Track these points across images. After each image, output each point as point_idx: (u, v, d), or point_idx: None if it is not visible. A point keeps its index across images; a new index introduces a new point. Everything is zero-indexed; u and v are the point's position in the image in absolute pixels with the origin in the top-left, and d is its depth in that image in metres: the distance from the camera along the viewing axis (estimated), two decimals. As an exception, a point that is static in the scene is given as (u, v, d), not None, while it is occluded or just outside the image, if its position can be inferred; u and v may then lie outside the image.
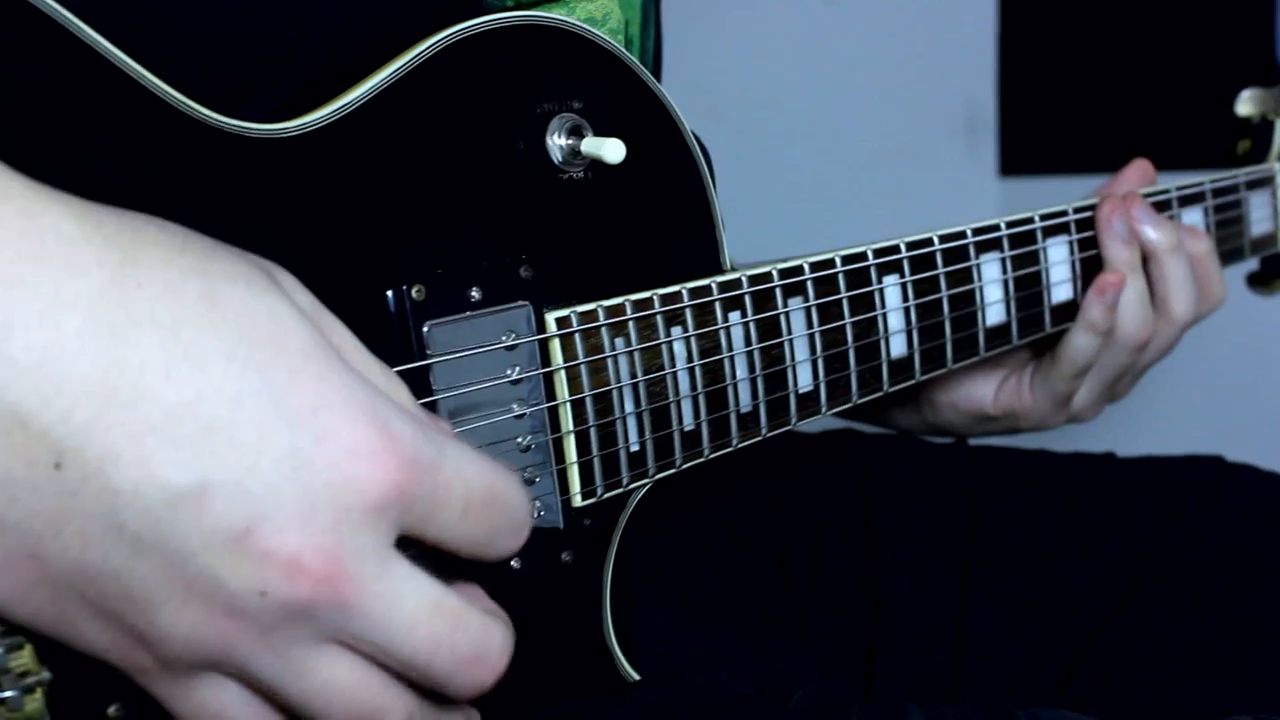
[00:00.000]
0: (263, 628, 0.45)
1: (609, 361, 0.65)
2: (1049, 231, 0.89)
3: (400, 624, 0.46)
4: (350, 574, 0.45)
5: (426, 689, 0.49)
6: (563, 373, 0.64)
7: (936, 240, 0.81)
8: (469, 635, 0.48)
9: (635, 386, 0.67)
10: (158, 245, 0.44)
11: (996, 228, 0.85)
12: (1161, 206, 0.96)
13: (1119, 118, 2.07)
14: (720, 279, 0.70)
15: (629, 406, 0.66)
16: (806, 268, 0.73)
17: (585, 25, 0.66)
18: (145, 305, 0.43)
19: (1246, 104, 1.12)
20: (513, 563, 0.63)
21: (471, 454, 0.49)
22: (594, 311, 0.65)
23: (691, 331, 0.69)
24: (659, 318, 0.67)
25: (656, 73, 0.84)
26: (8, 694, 0.47)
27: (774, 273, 0.72)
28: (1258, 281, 1.18)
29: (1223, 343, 1.81)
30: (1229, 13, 2.01)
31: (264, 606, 0.44)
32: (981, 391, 0.98)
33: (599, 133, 0.65)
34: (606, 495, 0.66)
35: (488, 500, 0.49)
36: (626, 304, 0.66)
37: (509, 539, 0.51)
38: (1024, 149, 2.12)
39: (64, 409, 0.41)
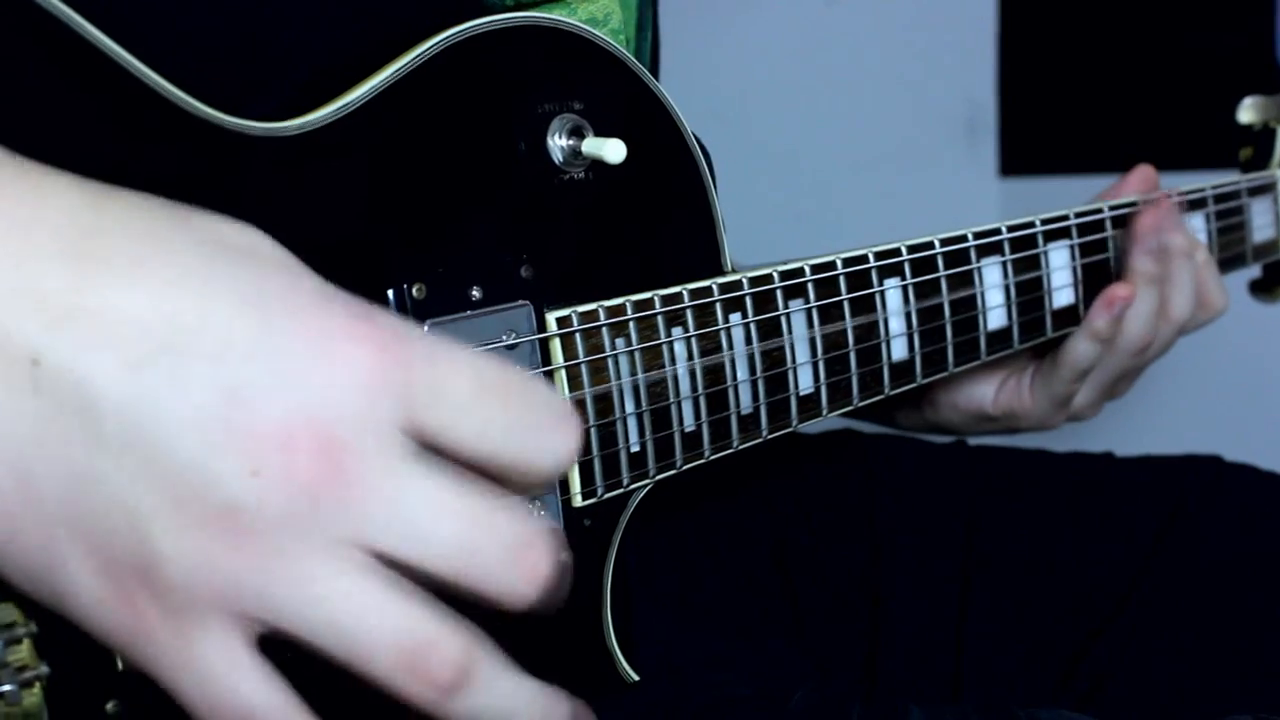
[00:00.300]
0: (268, 525, 0.40)
1: (609, 361, 0.66)
2: (1050, 236, 0.89)
3: (425, 507, 0.41)
4: (351, 446, 0.41)
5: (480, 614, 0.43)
6: (563, 372, 0.64)
7: (938, 243, 0.81)
8: (509, 515, 0.43)
9: (636, 387, 0.67)
10: (132, 193, 0.45)
11: (998, 231, 0.85)
12: None
13: (1119, 118, 2.07)
14: (721, 280, 0.70)
15: (629, 407, 0.66)
16: (807, 270, 0.73)
17: (586, 26, 0.66)
18: (119, 216, 0.43)
19: (1248, 111, 1.12)
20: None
21: (479, 353, 0.44)
22: (594, 311, 0.65)
23: (692, 332, 0.69)
24: (660, 318, 0.67)
25: (654, 74, 0.84)
26: (6, 688, 0.47)
27: (775, 274, 0.72)
28: (1260, 289, 1.18)
29: (1222, 343, 1.81)
30: (1229, 14, 2.01)
31: (262, 494, 0.40)
32: (982, 391, 0.98)
33: (600, 133, 0.65)
34: (607, 496, 0.66)
35: (504, 381, 0.44)
36: (627, 304, 0.66)
37: (550, 430, 0.44)
38: (1024, 149, 2.12)
39: (36, 305, 0.41)
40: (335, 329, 0.42)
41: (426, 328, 0.60)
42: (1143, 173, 0.99)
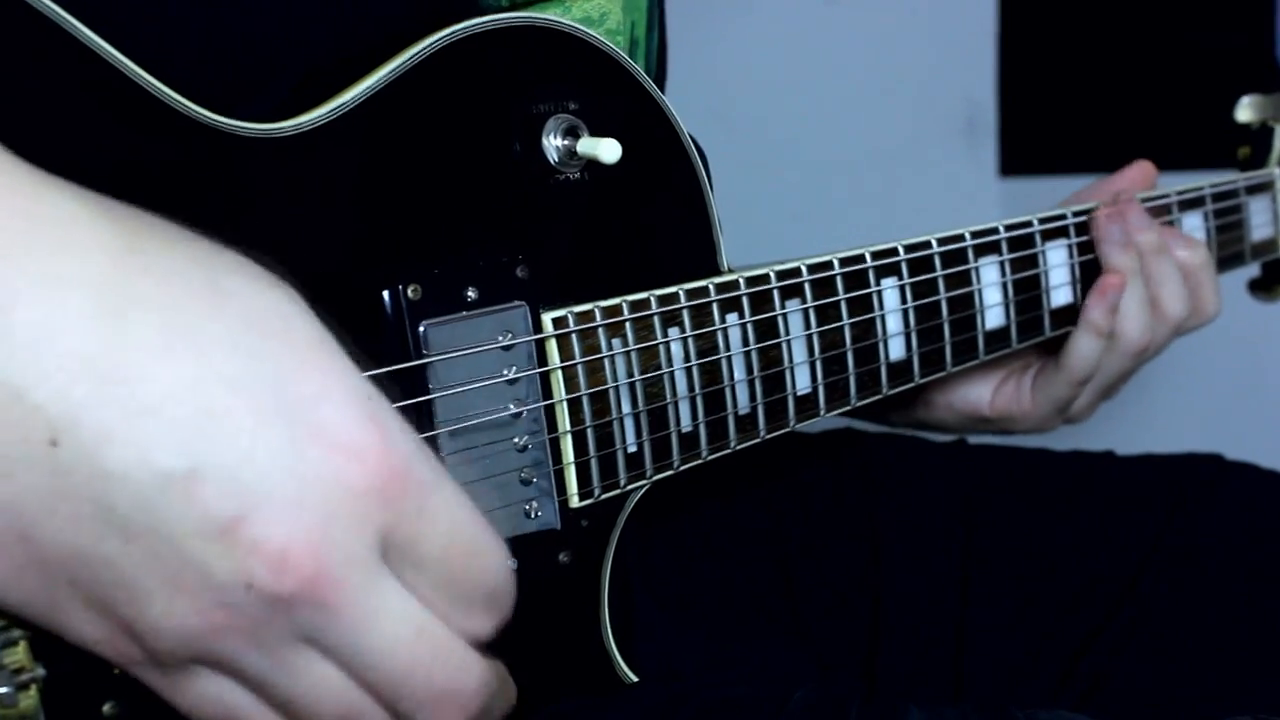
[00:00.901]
0: (250, 622, 0.44)
1: (606, 362, 0.65)
2: (1047, 235, 0.89)
3: (379, 640, 0.46)
4: (335, 576, 0.44)
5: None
6: (559, 373, 0.64)
7: (935, 243, 0.81)
8: (448, 669, 0.48)
9: (632, 387, 0.67)
10: (164, 235, 0.44)
11: (995, 231, 0.85)
12: (1161, 211, 0.96)
13: (1119, 118, 2.07)
14: (717, 280, 0.70)
15: (626, 407, 0.66)
16: (804, 269, 0.73)
17: (580, 26, 0.66)
18: (148, 287, 0.43)
19: (1246, 110, 1.12)
20: (508, 562, 0.63)
21: (467, 501, 0.48)
22: (590, 312, 0.65)
23: (689, 332, 0.69)
24: (656, 318, 0.67)
25: (661, 75, 0.84)
26: (2, 690, 0.47)
27: (771, 274, 0.72)
28: (1259, 287, 1.18)
29: (1222, 342, 1.81)
30: (1229, 14, 2.01)
31: (249, 600, 0.43)
32: (978, 393, 0.98)
33: (595, 133, 0.65)
34: (604, 496, 0.66)
35: (473, 549, 0.48)
36: (623, 304, 0.66)
37: (485, 606, 0.49)
38: (1024, 149, 2.12)
39: (61, 386, 0.41)
40: (351, 446, 0.44)
41: (423, 329, 0.60)
42: (1141, 167, 0.99)
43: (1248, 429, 1.69)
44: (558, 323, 0.64)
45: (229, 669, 0.46)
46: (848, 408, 0.78)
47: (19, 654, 0.47)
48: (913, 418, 1.02)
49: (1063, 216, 0.90)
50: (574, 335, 0.64)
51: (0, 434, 0.41)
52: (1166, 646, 0.87)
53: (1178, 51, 2.04)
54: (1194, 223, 1.00)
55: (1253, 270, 1.17)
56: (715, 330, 0.70)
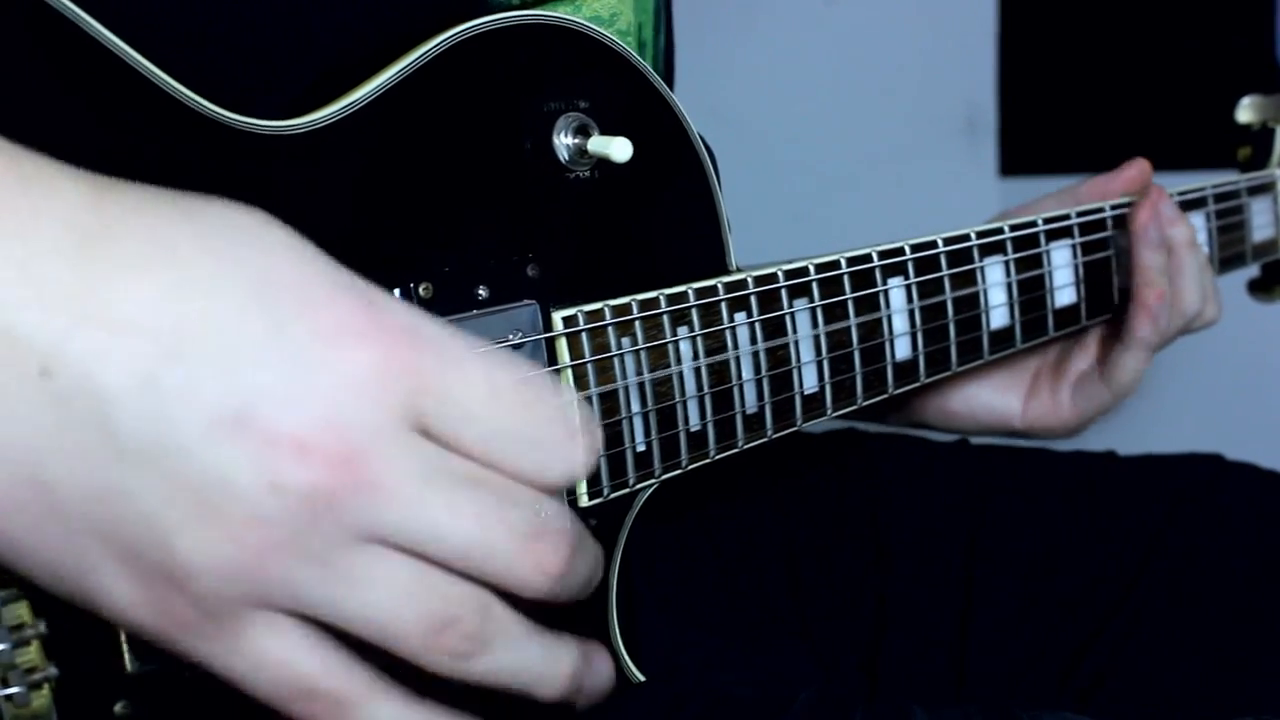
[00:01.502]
0: (292, 534, 0.41)
1: (615, 361, 0.65)
2: (1052, 235, 0.89)
3: (439, 508, 0.43)
4: (366, 451, 0.41)
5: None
6: (569, 371, 0.64)
7: (941, 243, 0.81)
8: (521, 507, 0.44)
9: (642, 386, 0.67)
10: (139, 187, 0.44)
11: (1000, 230, 0.85)
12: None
13: (1119, 118, 2.07)
14: (726, 279, 0.70)
15: (635, 406, 0.66)
16: (812, 269, 0.73)
17: (590, 24, 0.66)
18: (120, 215, 0.42)
19: (1247, 111, 1.12)
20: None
21: (490, 352, 0.45)
22: (600, 311, 0.65)
23: (698, 331, 0.69)
24: (665, 317, 0.67)
25: (669, 76, 0.84)
26: (14, 690, 0.47)
27: (780, 273, 0.72)
28: (1259, 288, 1.18)
29: (1223, 342, 1.81)
30: (1229, 14, 2.01)
31: (283, 506, 0.41)
32: (1006, 403, 0.96)
33: (605, 132, 0.65)
34: (613, 495, 0.66)
35: (519, 385, 0.44)
36: (633, 303, 0.66)
37: (559, 445, 0.45)
38: (1024, 149, 2.12)
39: (42, 315, 0.40)
40: (344, 326, 0.42)
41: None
42: (1139, 166, 0.99)
43: (1248, 429, 1.70)
44: (568, 321, 0.64)
45: (288, 602, 0.43)
46: (854, 407, 0.78)
47: (31, 653, 0.47)
48: (915, 420, 1.02)
49: (1066, 216, 0.90)
50: (584, 334, 0.64)
51: None
52: (1168, 646, 0.87)
53: (1178, 52, 2.04)
54: (1196, 223, 1.00)
55: (1252, 272, 1.17)
56: (724, 329, 0.70)
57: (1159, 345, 0.93)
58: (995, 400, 0.97)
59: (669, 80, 0.84)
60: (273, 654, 0.43)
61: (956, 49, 2.12)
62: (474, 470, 0.44)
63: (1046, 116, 2.13)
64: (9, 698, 0.47)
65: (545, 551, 0.45)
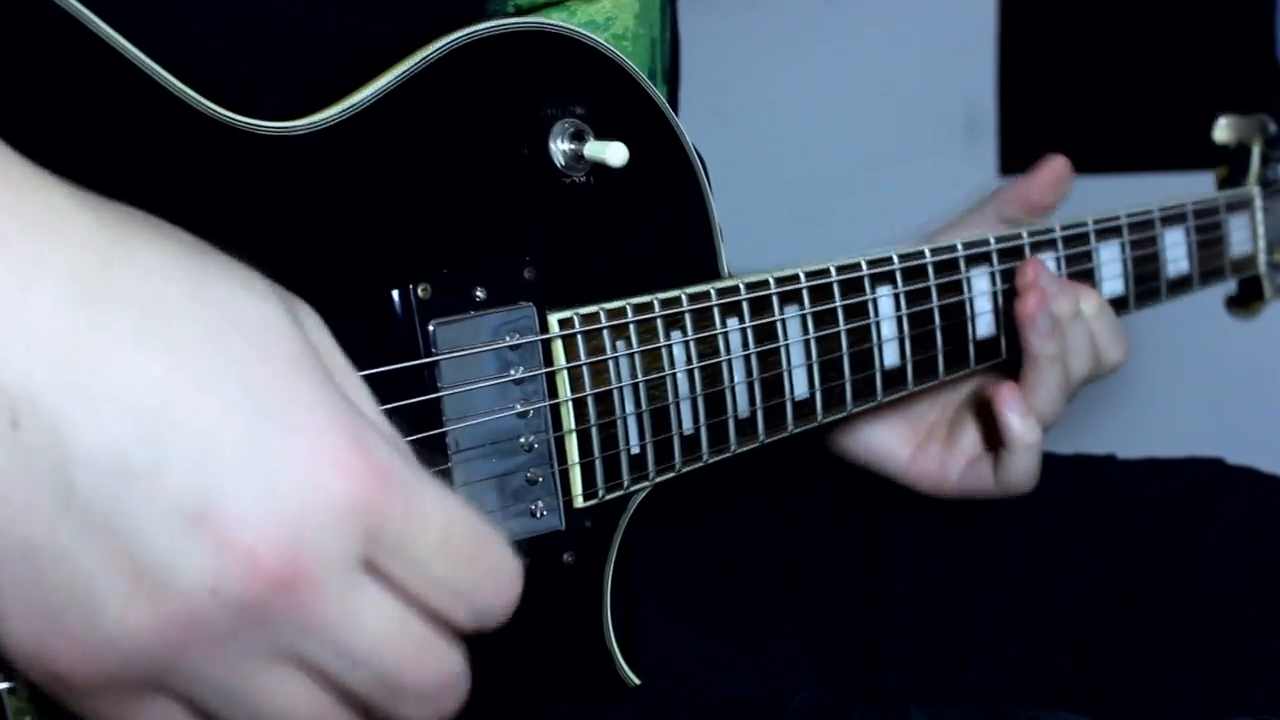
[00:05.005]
0: (214, 633, 0.41)
1: (610, 363, 0.66)
2: (1036, 247, 0.89)
3: (364, 642, 0.44)
4: (312, 579, 0.42)
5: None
6: (565, 373, 0.64)
7: (928, 252, 0.81)
8: (437, 660, 0.46)
9: (636, 388, 0.67)
10: (154, 233, 0.43)
11: (986, 242, 0.85)
12: (1144, 225, 0.96)
13: (1119, 118, 2.07)
14: (719, 285, 0.71)
15: (630, 408, 0.67)
16: (802, 276, 0.74)
17: (584, 31, 0.66)
18: (126, 282, 0.41)
19: (1223, 131, 1.12)
20: (508, 549, 0.60)
21: (456, 497, 0.46)
22: (596, 314, 0.65)
23: (691, 335, 0.69)
24: (659, 321, 0.68)
25: (675, 74, 0.84)
26: (16, 683, 0.47)
27: (770, 280, 0.73)
28: (1236, 304, 1.18)
29: (1223, 346, 1.81)
30: (1228, 14, 2.01)
31: (217, 607, 0.41)
32: (890, 447, 0.91)
33: (601, 137, 0.65)
34: (608, 497, 0.67)
35: (472, 536, 0.46)
36: (627, 307, 0.66)
37: (494, 593, 0.47)
38: (1024, 149, 2.12)
39: (26, 367, 0.39)
40: (326, 453, 0.42)
41: (432, 328, 0.60)
42: (1053, 166, 0.95)
43: (1249, 434, 1.70)
44: (563, 324, 0.64)
45: (187, 691, 0.43)
46: (844, 414, 0.78)
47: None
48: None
49: (1050, 229, 0.89)
50: (579, 336, 0.65)
51: None
52: (1168, 650, 0.87)
53: (1177, 52, 2.04)
54: (1175, 237, 1.00)
55: (1229, 287, 1.17)
56: (716, 334, 0.70)
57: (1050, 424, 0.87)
58: (883, 439, 0.91)
59: (675, 78, 0.84)
60: None
61: (956, 49, 2.12)
62: (402, 614, 0.45)
63: (1046, 116, 2.13)
64: (12, 690, 0.47)
65: (445, 702, 0.47)
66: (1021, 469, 0.85)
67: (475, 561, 0.46)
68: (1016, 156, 2.12)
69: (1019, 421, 0.83)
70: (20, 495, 0.40)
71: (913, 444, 0.91)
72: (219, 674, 0.43)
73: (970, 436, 0.90)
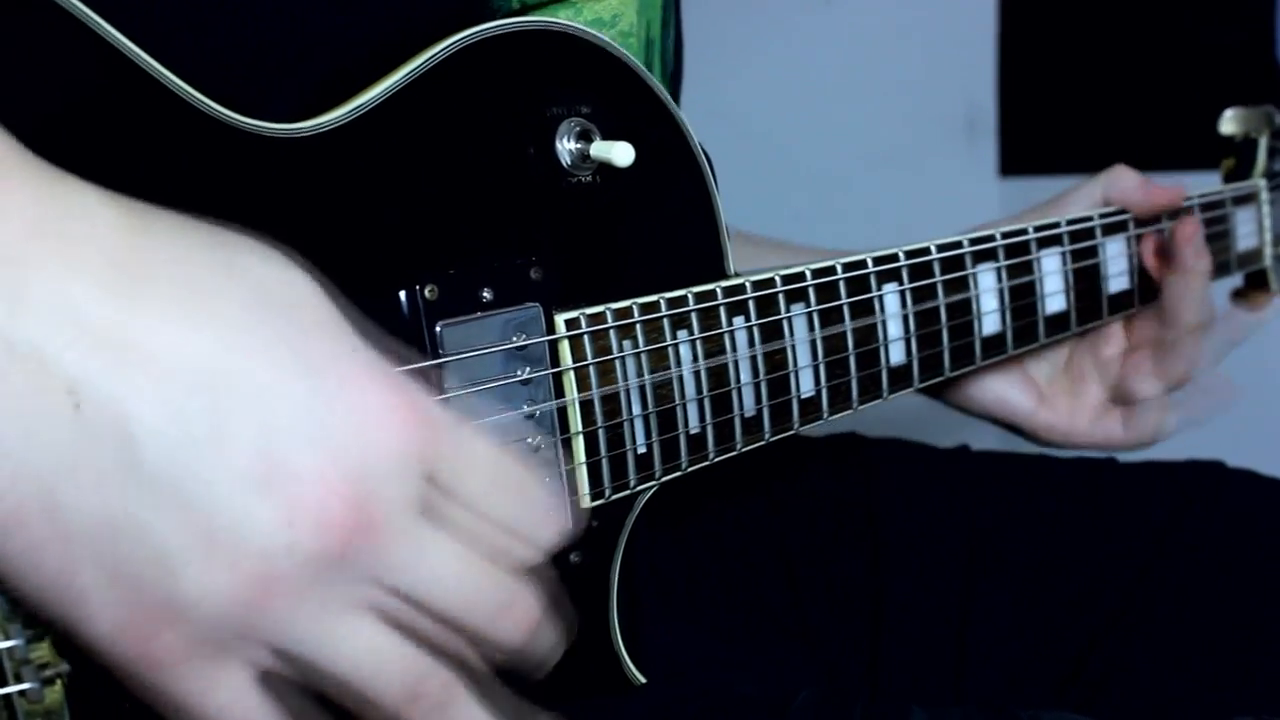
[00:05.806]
0: (292, 589, 0.43)
1: (617, 363, 0.66)
2: (1043, 243, 0.89)
3: (434, 575, 0.46)
4: (381, 525, 0.44)
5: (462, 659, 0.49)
6: (571, 373, 0.64)
7: (934, 249, 0.82)
8: (501, 584, 0.49)
9: (643, 388, 0.67)
10: (174, 220, 0.45)
11: (992, 238, 0.85)
12: (1149, 220, 0.97)
13: (1119, 118, 2.07)
14: (725, 284, 0.71)
15: (636, 408, 0.67)
16: (808, 274, 0.74)
17: (590, 30, 0.66)
18: (159, 265, 0.43)
19: (1230, 123, 1.12)
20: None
21: (496, 442, 0.49)
22: (602, 314, 0.65)
23: (697, 335, 0.69)
24: (665, 321, 0.68)
25: (678, 73, 0.84)
26: (28, 685, 0.47)
27: (777, 278, 0.73)
28: (1241, 298, 1.19)
29: (1222, 347, 1.81)
30: (1228, 13, 2.01)
31: (294, 562, 0.43)
32: (1018, 398, 0.96)
33: (608, 137, 0.66)
34: (614, 496, 0.67)
35: (516, 473, 0.49)
36: (634, 307, 0.67)
37: (545, 522, 0.51)
38: (1024, 149, 2.13)
39: (83, 354, 0.41)
40: (377, 404, 0.45)
41: (439, 329, 0.60)
42: (1173, 194, 0.98)
43: (1249, 436, 1.70)
44: (570, 324, 0.64)
45: (267, 650, 0.44)
46: (850, 411, 0.78)
47: (44, 649, 0.48)
48: (943, 397, 1.00)
49: (1056, 224, 0.90)
50: (586, 336, 0.65)
51: (25, 395, 0.41)
52: (1168, 651, 0.88)
53: (1178, 52, 2.05)
54: None
55: (1235, 280, 1.17)
56: (723, 333, 0.70)
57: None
58: (1011, 393, 0.96)
59: (678, 78, 0.85)
60: (233, 710, 0.45)
61: (956, 49, 2.12)
62: (461, 549, 0.48)
63: (1046, 116, 2.14)
64: (23, 693, 0.48)
65: (519, 616, 0.50)
66: (1152, 421, 0.90)
67: (524, 494, 0.50)
68: (1016, 156, 2.13)
69: (1146, 382, 0.91)
70: (90, 474, 0.41)
71: (1035, 397, 0.95)
72: (299, 630, 0.44)
73: (1095, 389, 0.94)
